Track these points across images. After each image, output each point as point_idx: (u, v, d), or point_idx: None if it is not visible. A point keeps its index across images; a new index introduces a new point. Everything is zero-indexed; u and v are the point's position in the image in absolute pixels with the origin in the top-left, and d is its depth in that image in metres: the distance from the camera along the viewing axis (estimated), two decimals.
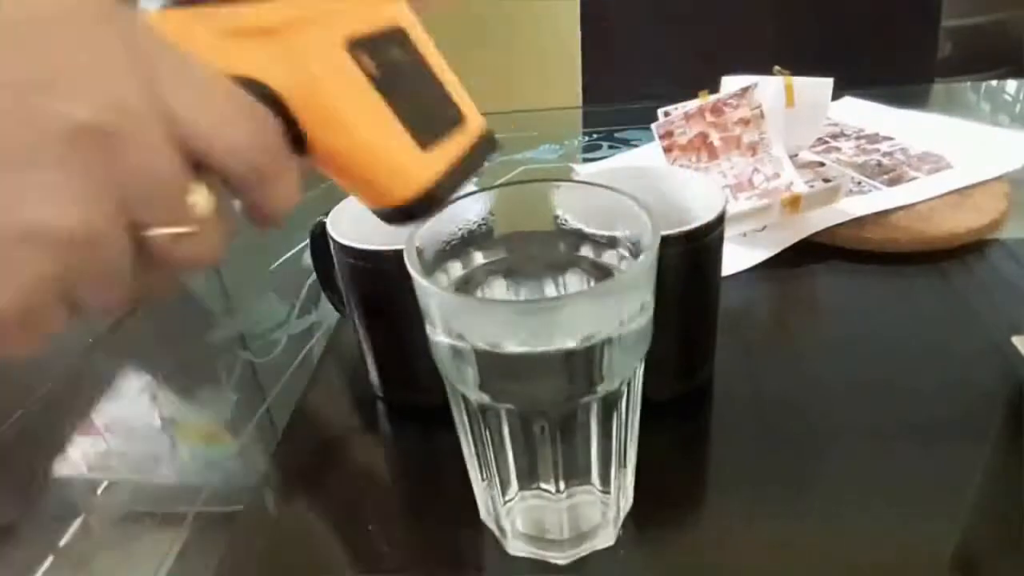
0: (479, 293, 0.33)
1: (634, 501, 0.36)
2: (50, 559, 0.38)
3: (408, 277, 0.29)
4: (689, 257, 0.38)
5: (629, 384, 0.31)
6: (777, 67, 0.61)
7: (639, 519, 0.36)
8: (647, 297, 0.29)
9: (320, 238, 0.43)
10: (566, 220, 0.33)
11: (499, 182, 0.78)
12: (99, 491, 0.43)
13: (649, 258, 0.28)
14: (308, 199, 0.62)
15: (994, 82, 0.93)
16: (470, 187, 0.34)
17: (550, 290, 0.33)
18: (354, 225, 0.40)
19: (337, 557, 0.37)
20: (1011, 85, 0.89)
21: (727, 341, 0.43)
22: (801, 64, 0.61)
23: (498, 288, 0.33)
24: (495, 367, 0.28)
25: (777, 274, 0.54)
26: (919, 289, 0.52)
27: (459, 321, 0.28)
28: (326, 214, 0.41)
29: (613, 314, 0.27)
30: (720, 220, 0.38)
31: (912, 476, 0.37)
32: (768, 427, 0.41)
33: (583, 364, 0.28)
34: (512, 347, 0.27)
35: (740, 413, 0.42)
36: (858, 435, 0.39)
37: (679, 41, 1.03)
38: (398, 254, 0.30)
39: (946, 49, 1.23)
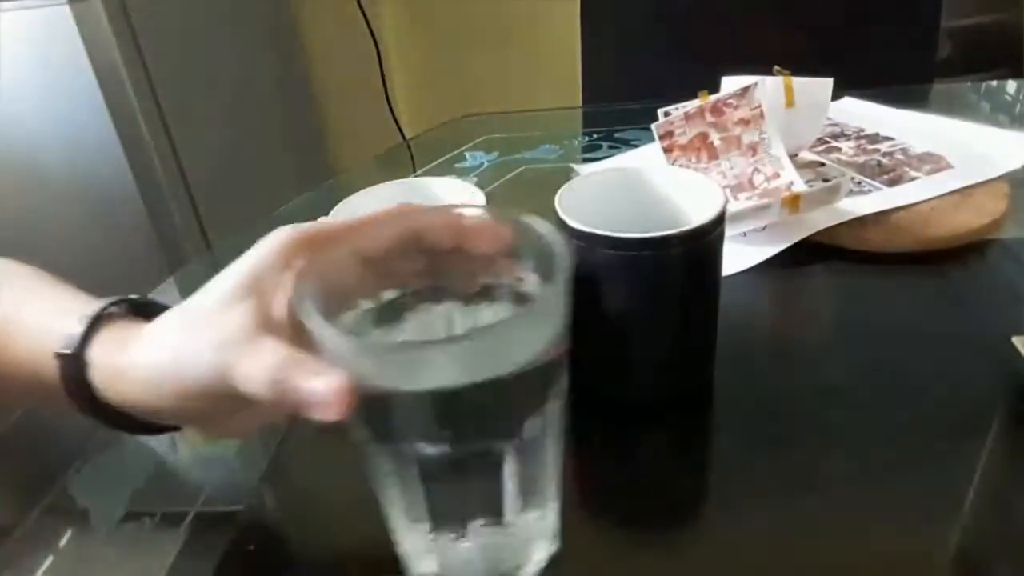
0: (406, 318, 0.31)
1: (634, 501, 0.36)
2: (50, 559, 0.38)
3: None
4: (689, 257, 0.38)
5: (544, 426, 0.28)
6: (777, 67, 0.61)
7: (639, 519, 0.36)
8: (549, 333, 0.26)
9: None
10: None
11: (499, 182, 0.78)
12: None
13: (549, 293, 0.26)
14: (305, 200, 0.62)
15: (994, 82, 0.93)
16: (470, 185, 0.35)
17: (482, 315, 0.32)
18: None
19: (337, 557, 0.37)
20: (1011, 85, 0.89)
21: (727, 341, 0.43)
22: (801, 64, 0.61)
23: (424, 313, 0.31)
24: (379, 408, 0.26)
25: (777, 274, 0.54)
26: (919, 289, 0.52)
27: (340, 359, 0.26)
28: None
29: (499, 356, 0.25)
30: (720, 220, 0.38)
31: (912, 476, 0.37)
32: (768, 427, 0.41)
33: (475, 408, 0.26)
34: (387, 385, 0.26)
35: (740, 413, 0.42)
36: (858, 435, 0.39)
37: (679, 41, 1.03)
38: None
39: (946, 49, 1.23)
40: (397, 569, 0.36)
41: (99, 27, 1.12)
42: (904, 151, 0.67)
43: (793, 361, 0.47)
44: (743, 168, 0.59)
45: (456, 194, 0.42)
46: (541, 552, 0.32)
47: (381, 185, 0.44)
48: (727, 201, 0.39)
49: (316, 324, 0.26)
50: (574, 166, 0.75)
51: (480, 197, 0.38)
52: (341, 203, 0.41)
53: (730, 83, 0.61)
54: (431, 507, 0.29)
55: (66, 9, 1.10)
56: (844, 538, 0.34)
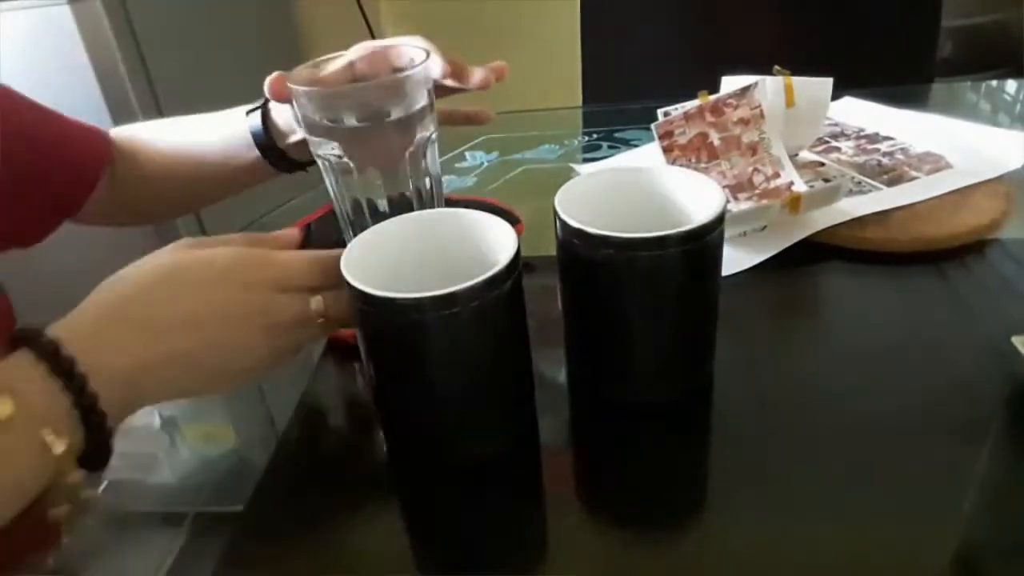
0: None
1: (634, 500, 0.36)
2: (50, 559, 0.38)
3: (432, 327, 0.34)
4: (689, 257, 0.38)
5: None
6: (777, 67, 0.61)
7: (640, 519, 0.36)
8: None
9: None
10: None
11: (499, 182, 0.78)
12: (99, 491, 0.43)
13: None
14: (307, 199, 0.61)
15: (994, 82, 0.93)
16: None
17: None
18: (374, 266, 0.37)
19: (337, 557, 0.37)
20: (1011, 85, 0.89)
21: (727, 341, 0.43)
22: (801, 64, 0.61)
23: None
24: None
25: (777, 274, 0.54)
26: (919, 289, 0.52)
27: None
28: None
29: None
30: (720, 220, 0.38)
31: (912, 476, 0.37)
32: (768, 427, 0.41)
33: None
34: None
35: (740, 413, 0.42)
36: (858, 435, 0.39)
37: (679, 41, 1.03)
38: (431, 301, 0.33)
39: (946, 49, 1.23)
40: (398, 568, 0.36)
41: (99, 27, 1.12)
42: (904, 151, 0.67)
43: (793, 361, 0.47)
44: (743, 168, 0.59)
45: (492, 226, 0.41)
46: None
47: (400, 218, 0.43)
48: (727, 201, 0.39)
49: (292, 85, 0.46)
50: (574, 166, 0.75)
51: (511, 234, 0.38)
52: (354, 241, 0.40)
53: (730, 83, 0.61)
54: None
55: (66, 9, 1.10)
56: (844, 537, 0.34)
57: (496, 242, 0.38)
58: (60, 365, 0.32)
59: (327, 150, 0.47)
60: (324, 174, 0.50)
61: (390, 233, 0.41)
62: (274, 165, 0.60)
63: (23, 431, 0.31)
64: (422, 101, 0.47)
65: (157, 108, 1.20)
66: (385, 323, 0.35)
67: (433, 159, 0.50)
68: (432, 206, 0.51)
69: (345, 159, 0.47)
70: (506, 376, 0.39)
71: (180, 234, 0.47)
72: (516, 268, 0.36)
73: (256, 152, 0.59)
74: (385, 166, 0.48)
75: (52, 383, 0.32)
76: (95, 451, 0.34)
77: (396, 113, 0.46)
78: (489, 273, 0.34)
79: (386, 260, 0.39)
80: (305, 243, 0.58)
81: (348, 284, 0.35)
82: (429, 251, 0.41)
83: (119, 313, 0.36)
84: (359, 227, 0.51)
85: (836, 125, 0.74)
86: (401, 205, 0.49)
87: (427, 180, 0.50)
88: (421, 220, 0.42)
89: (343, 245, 0.54)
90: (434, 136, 0.50)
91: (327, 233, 0.61)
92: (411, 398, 0.39)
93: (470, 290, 0.34)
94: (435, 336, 0.35)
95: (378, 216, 0.50)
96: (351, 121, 0.46)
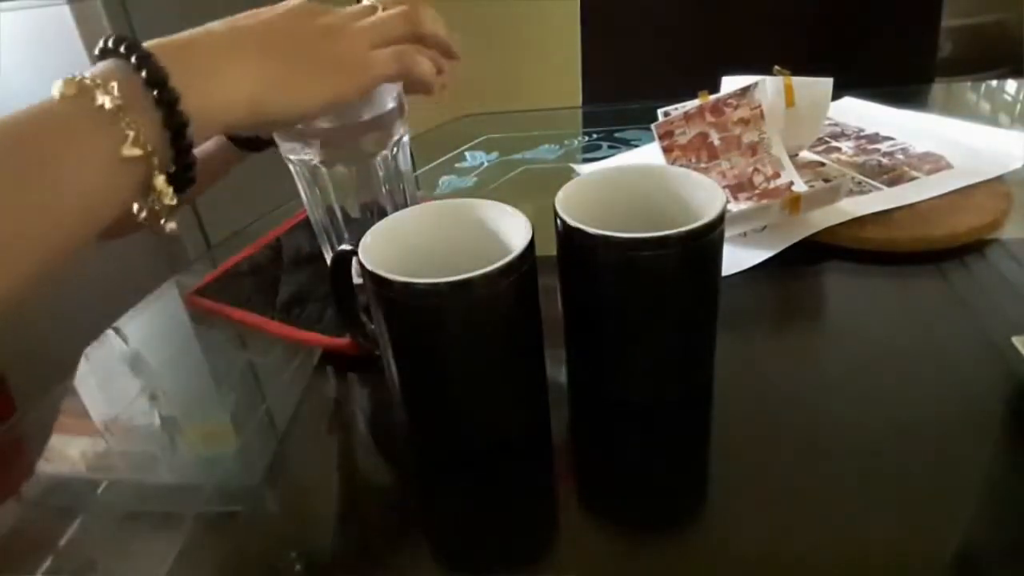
0: None
1: (634, 501, 0.36)
2: (50, 559, 0.38)
3: (461, 312, 0.35)
4: (689, 257, 0.38)
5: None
6: (777, 67, 0.61)
7: (640, 519, 0.36)
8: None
9: (341, 267, 0.42)
10: None
11: (499, 182, 0.78)
12: (99, 491, 0.43)
13: None
14: (296, 204, 0.62)
15: (994, 82, 0.93)
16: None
17: None
18: (390, 254, 0.37)
19: (336, 557, 0.37)
20: (1011, 85, 0.89)
21: (727, 341, 0.43)
22: (801, 64, 0.61)
23: None
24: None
25: (777, 274, 0.54)
26: (919, 289, 0.52)
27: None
28: (356, 242, 0.38)
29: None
30: (720, 220, 0.38)
31: (912, 476, 0.37)
32: (769, 427, 0.41)
33: None
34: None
35: (741, 413, 0.42)
36: (858, 435, 0.39)
37: (679, 41, 1.03)
38: (449, 287, 0.33)
39: (946, 49, 1.23)
40: (398, 566, 0.36)
41: (99, 27, 1.12)
42: (904, 151, 0.67)
43: (793, 361, 0.47)
44: (743, 168, 0.59)
45: (502, 217, 0.41)
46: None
47: (418, 207, 0.43)
48: (727, 201, 0.39)
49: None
50: (574, 166, 0.75)
51: (526, 223, 0.38)
52: (374, 228, 0.40)
53: (730, 83, 0.61)
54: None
55: (66, 9, 1.10)
56: (844, 537, 0.34)
57: (511, 231, 0.39)
58: (149, 70, 0.35)
59: (297, 154, 0.48)
60: (297, 180, 0.50)
61: (407, 222, 0.41)
62: (238, 145, 0.59)
63: (107, 125, 0.33)
64: (391, 103, 0.47)
65: None
66: (403, 308, 0.36)
67: (405, 161, 0.50)
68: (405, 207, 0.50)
69: (315, 162, 0.47)
70: (520, 361, 0.40)
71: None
72: (531, 256, 0.37)
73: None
74: (356, 165, 0.48)
75: (137, 80, 0.35)
76: (180, 170, 0.36)
77: (367, 114, 0.46)
78: (505, 260, 0.35)
79: (403, 248, 0.39)
80: (277, 252, 0.58)
81: (366, 270, 0.36)
82: (445, 240, 0.41)
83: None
84: (333, 234, 0.51)
85: (836, 125, 0.74)
86: (374, 209, 0.49)
87: (399, 183, 0.50)
88: (438, 209, 0.43)
89: (318, 253, 0.54)
90: (405, 139, 0.50)
91: (299, 242, 0.61)
92: (428, 382, 0.39)
93: (486, 276, 0.34)
94: (451, 321, 0.36)
95: (351, 222, 0.50)
96: (321, 123, 0.46)
